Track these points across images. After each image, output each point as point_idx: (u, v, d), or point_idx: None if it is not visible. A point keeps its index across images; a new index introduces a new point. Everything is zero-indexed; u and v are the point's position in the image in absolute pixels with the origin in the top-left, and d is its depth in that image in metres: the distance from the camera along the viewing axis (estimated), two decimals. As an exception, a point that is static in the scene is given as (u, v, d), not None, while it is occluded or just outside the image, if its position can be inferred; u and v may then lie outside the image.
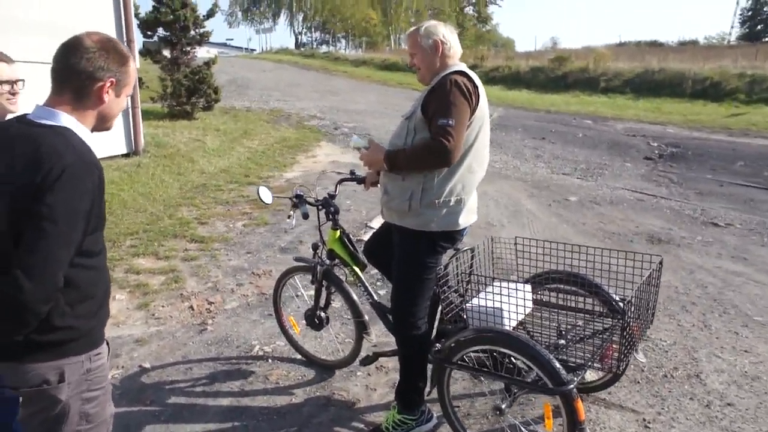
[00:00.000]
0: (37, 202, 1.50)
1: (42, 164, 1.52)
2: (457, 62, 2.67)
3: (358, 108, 16.18)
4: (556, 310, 2.71)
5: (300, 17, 64.65)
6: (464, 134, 2.47)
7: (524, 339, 2.41)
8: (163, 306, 4.55)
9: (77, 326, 1.64)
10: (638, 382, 3.39)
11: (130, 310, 4.45)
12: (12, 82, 2.34)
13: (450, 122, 2.37)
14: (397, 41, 56.75)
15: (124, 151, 9.36)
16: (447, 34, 2.63)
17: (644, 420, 3.04)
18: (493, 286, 2.58)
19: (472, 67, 2.75)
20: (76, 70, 1.62)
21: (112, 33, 8.83)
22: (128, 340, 3.95)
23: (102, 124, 1.75)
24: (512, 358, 2.49)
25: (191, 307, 4.53)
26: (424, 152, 2.46)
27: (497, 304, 2.52)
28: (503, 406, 2.56)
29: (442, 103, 2.43)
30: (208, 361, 3.72)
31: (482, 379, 2.93)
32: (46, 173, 1.51)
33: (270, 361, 3.71)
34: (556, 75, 21.38)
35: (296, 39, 63.57)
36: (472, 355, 2.63)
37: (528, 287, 2.72)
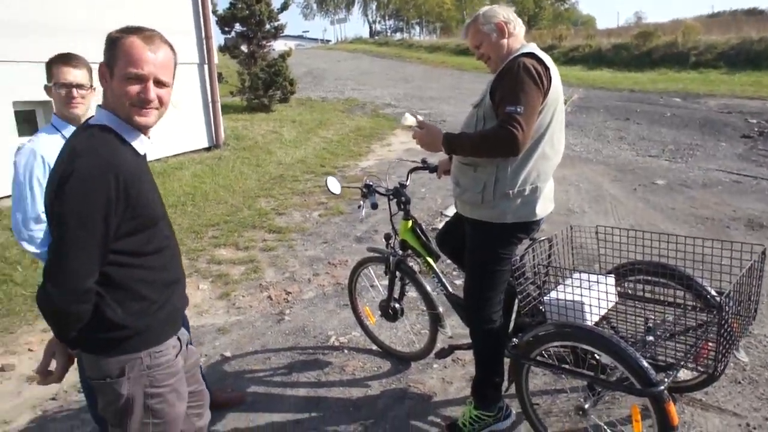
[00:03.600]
0: (52, 206, 1.57)
1: (58, 167, 1.58)
2: (525, 43, 2.52)
3: (433, 94, 16.00)
4: (642, 304, 2.53)
5: (374, 6, 64.74)
6: (535, 121, 2.33)
7: (608, 335, 2.26)
8: (243, 296, 4.67)
9: (130, 324, 1.67)
10: (740, 383, 3.12)
11: (212, 300, 4.59)
12: (71, 86, 2.37)
13: (518, 109, 2.24)
14: (472, 24, 55.64)
15: (206, 145, 9.69)
16: (505, 13, 2.50)
17: (748, 425, 2.78)
18: (573, 278, 2.44)
19: (550, 48, 2.59)
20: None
21: (190, 31, 9.18)
22: (211, 329, 4.08)
23: (121, 113, 1.65)
24: (595, 355, 2.35)
25: (269, 297, 4.61)
26: (489, 139, 2.33)
27: (578, 297, 2.38)
28: (586, 406, 2.42)
29: (511, 88, 2.29)
30: (285, 351, 3.77)
31: (563, 375, 2.79)
32: (59, 176, 1.55)
33: (346, 351, 3.72)
34: (641, 52, 20.16)
35: (370, 28, 63.73)
36: (551, 350, 2.50)
37: (611, 279, 2.55)
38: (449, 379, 3.34)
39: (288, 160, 9.53)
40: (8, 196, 6.36)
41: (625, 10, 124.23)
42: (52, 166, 2.18)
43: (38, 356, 3.77)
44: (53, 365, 1.81)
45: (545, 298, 2.52)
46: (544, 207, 2.53)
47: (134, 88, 1.62)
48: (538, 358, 2.50)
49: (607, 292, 2.36)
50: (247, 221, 6.49)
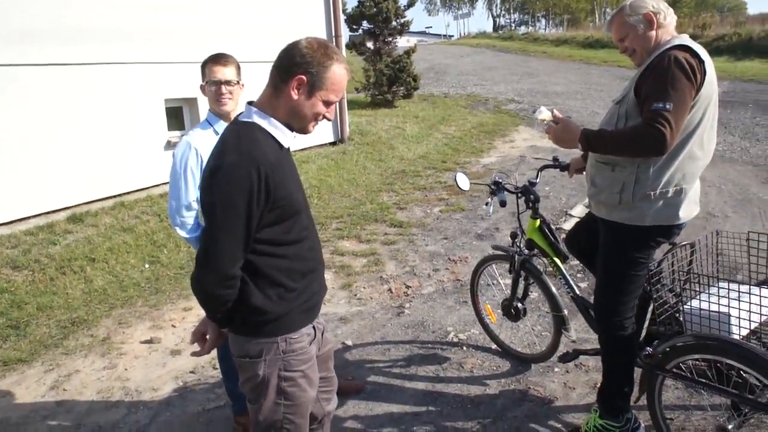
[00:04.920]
0: (203, 197, 1.72)
1: (209, 162, 1.72)
2: (676, 34, 2.36)
3: (558, 90, 15.45)
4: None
5: (498, -1, 63.60)
6: (684, 119, 2.17)
7: (761, 352, 2.07)
8: (364, 287, 4.80)
9: (269, 309, 1.77)
10: None
11: (335, 290, 4.76)
12: (220, 83, 2.54)
13: (667, 106, 2.09)
14: (603, 15, 52.99)
15: (332, 140, 10.04)
16: (655, 2, 2.33)
17: None
18: (718, 287, 2.26)
19: (692, 38, 2.38)
20: (275, 66, 1.74)
21: (322, 30, 9.53)
22: (333, 318, 4.24)
23: (294, 123, 1.77)
24: (741, 372, 2.16)
25: (390, 290, 4.70)
26: (633, 138, 2.20)
27: (724, 309, 2.20)
28: (729, 426, 2.24)
29: (659, 83, 2.15)
30: (404, 344, 3.83)
31: (702, 391, 2.60)
32: (209, 170, 1.69)
33: (464, 348, 3.71)
34: (801, 40, 18.17)
35: (494, 22, 62.73)
36: (689, 363, 2.33)
37: (764, 291, 2.32)
38: (572, 385, 3.23)
39: (410, 155, 9.64)
40: (157, 185, 7.00)
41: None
42: (204, 158, 2.38)
43: (180, 332, 4.15)
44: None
45: (685, 307, 2.36)
46: (688, 210, 2.36)
47: (325, 110, 1.76)
48: (675, 370, 2.35)
49: (759, 305, 2.16)
50: (370, 215, 6.65)
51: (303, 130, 1.80)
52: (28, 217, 5.90)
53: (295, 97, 1.71)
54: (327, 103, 1.75)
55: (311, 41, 1.72)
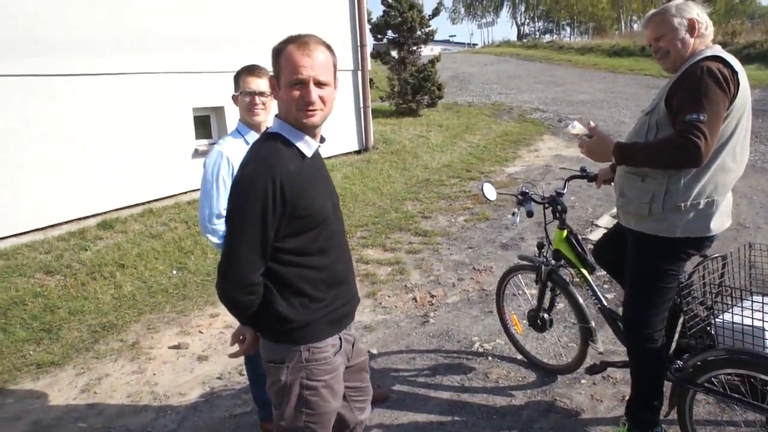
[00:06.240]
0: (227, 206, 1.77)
1: (236, 173, 1.78)
2: (711, 45, 2.34)
3: (584, 99, 15.32)
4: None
5: (522, 7, 63.41)
6: (719, 131, 2.15)
7: (794, 367, 2.04)
8: (389, 296, 4.81)
9: (292, 318, 1.79)
10: None
11: (360, 298, 4.77)
12: (254, 94, 2.60)
13: (701, 117, 2.08)
14: (629, 23, 52.47)
15: (356, 148, 10.09)
16: (701, 12, 2.32)
17: None
18: (751, 300, 2.23)
19: (721, 46, 2.36)
20: None
21: (347, 39, 9.61)
22: (358, 326, 4.25)
23: (290, 119, 1.78)
24: (776, 388, 2.13)
25: (414, 299, 4.71)
26: (667, 149, 2.18)
27: (757, 322, 2.17)
28: (763, 442, 2.20)
29: (692, 94, 2.13)
30: (429, 353, 3.83)
31: (735, 406, 2.55)
32: (234, 181, 1.76)
33: (490, 358, 3.69)
34: (836, 47, 17.77)
35: (518, 30, 62.50)
36: (722, 377, 2.30)
37: (798, 305, 2.29)
38: (599, 397, 3.19)
39: (434, 164, 9.65)
40: (185, 192, 7.11)
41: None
42: (236, 167, 2.42)
43: (207, 338, 4.20)
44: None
45: (716, 320, 2.33)
46: (720, 222, 2.34)
47: (297, 93, 1.72)
48: (707, 384, 2.32)
49: (794, 319, 2.13)
50: (394, 223, 6.67)
51: (299, 124, 1.78)
52: (61, 223, 6.04)
53: (276, 94, 1.80)
54: (292, 84, 1.72)
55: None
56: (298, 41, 1.74)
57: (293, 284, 1.78)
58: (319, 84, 1.74)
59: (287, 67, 1.71)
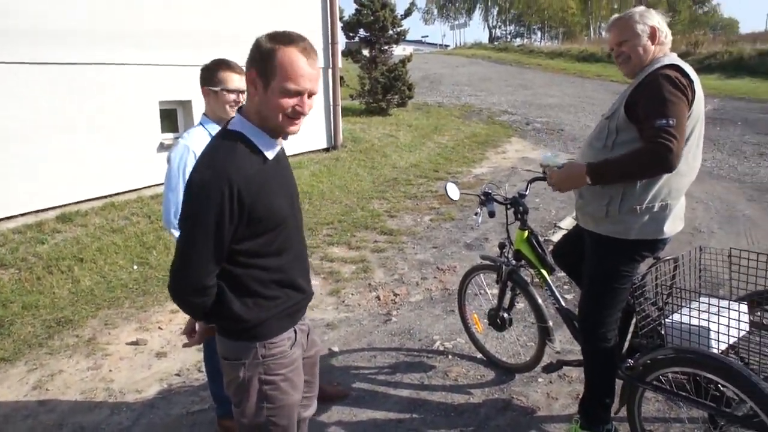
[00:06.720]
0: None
1: (190, 173, 1.68)
2: (668, 53, 2.41)
3: (552, 102, 15.56)
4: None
5: (495, 11, 64.08)
6: (686, 134, 2.21)
7: (738, 366, 2.10)
8: (352, 294, 4.81)
9: (246, 316, 1.77)
10: None
11: (323, 296, 4.77)
12: (238, 92, 2.56)
13: (670, 122, 2.12)
14: (597, 30, 53.51)
15: (325, 146, 10.05)
16: (662, 21, 2.39)
17: None
18: (699, 301, 2.29)
19: (684, 55, 2.45)
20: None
21: (318, 37, 9.57)
22: (320, 324, 4.24)
23: (266, 123, 1.69)
24: (719, 386, 2.19)
25: (378, 297, 4.72)
26: (642, 158, 2.20)
27: (704, 323, 2.23)
28: (706, 439, 2.27)
29: (657, 101, 2.18)
30: (391, 351, 3.84)
31: (681, 403, 2.62)
32: (187, 183, 1.66)
33: (450, 357, 3.73)
34: (791, 60, 18.38)
35: (490, 33, 63.12)
36: (669, 375, 2.36)
37: (743, 307, 2.36)
38: (554, 395, 3.25)
39: (402, 163, 9.68)
40: (148, 186, 6.98)
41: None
42: None
43: (166, 334, 4.14)
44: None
45: (666, 320, 2.39)
46: (673, 225, 2.40)
47: (290, 102, 1.62)
48: (655, 382, 2.38)
49: (738, 320, 2.20)
50: (360, 222, 6.67)
51: (278, 130, 1.70)
52: (17, 216, 5.87)
53: (255, 94, 1.66)
54: (286, 93, 1.61)
55: (267, 34, 1.64)
56: (301, 46, 1.62)
57: (246, 284, 1.75)
58: (311, 95, 1.68)
59: (285, 72, 1.59)
